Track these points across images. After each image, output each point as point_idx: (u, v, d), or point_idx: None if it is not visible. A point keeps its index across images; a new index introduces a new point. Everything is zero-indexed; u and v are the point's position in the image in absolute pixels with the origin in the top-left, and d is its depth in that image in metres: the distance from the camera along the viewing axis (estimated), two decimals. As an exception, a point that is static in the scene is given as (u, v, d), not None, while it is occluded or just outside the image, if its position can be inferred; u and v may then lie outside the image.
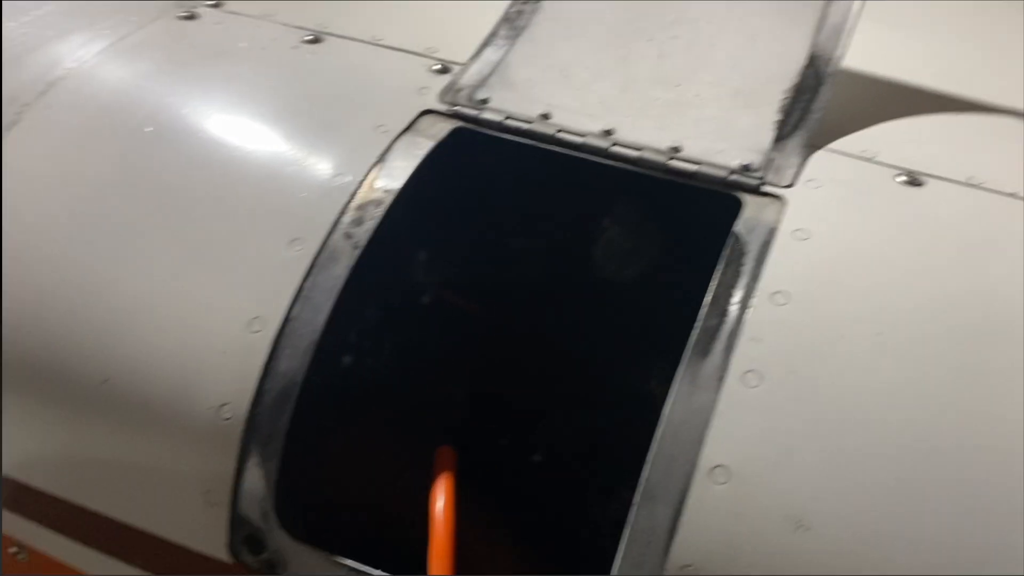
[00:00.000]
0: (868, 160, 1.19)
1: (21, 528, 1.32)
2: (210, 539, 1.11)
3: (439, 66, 1.35)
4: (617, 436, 1.44)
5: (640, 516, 0.95)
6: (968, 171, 1.17)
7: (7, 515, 1.33)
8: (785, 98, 1.25)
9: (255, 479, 1.08)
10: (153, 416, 1.11)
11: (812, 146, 1.20)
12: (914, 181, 1.15)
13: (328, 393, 1.14)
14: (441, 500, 1.12)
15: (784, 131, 1.21)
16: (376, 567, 1.06)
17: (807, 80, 1.27)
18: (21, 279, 1.19)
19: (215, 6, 1.50)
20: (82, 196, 1.22)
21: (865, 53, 1.33)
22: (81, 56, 1.38)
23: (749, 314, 1.00)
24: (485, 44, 1.36)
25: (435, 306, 1.55)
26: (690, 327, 1.31)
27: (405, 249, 1.43)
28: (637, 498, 0.95)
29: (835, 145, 1.22)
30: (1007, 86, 1.38)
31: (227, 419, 1.07)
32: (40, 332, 1.16)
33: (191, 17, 1.47)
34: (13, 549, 1.35)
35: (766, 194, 1.13)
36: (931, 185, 1.15)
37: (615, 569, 0.95)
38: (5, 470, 1.27)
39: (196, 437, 1.09)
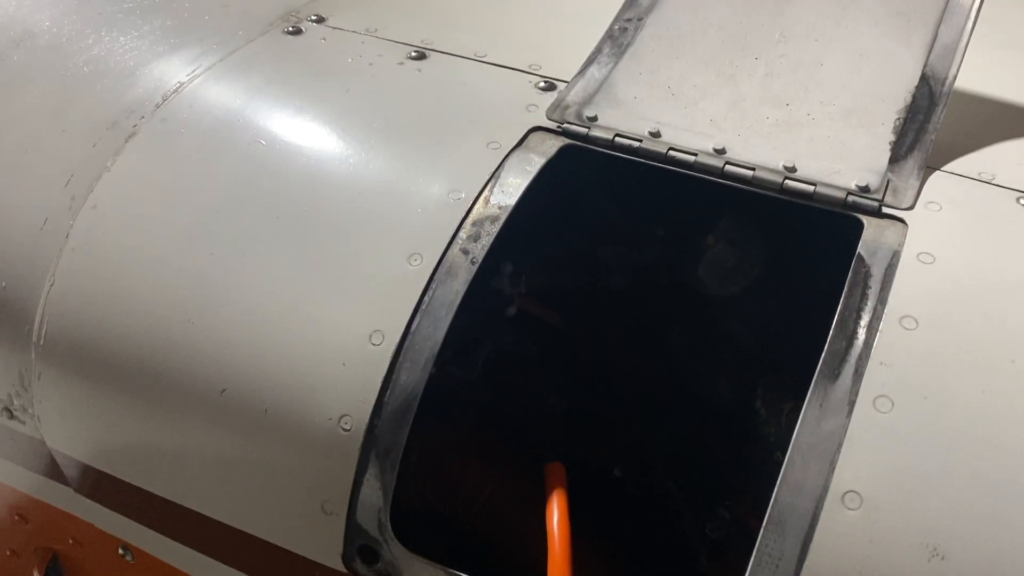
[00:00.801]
0: (987, 183, 1.18)
1: (129, 529, 1.35)
2: (324, 548, 1.13)
3: (544, 83, 1.36)
4: (718, 455, 1.44)
5: (767, 540, 0.94)
6: (1091, 195, 1.15)
7: (115, 516, 1.36)
8: (898, 118, 1.24)
9: (372, 490, 1.09)
10: (272, 426, 1.13)
11: (928, 167, 1.19)
12: (1036, 205, 1.14)
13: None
14: (556, 516, 1.12)
15: (899, 152, 1.20)
16: None
17: (920, 100, 1.26)
18: (141, 289, 1.22)
19: (318, 22, 1.53)
20: (200, 208, 1.25)
21: (972, 72, 1.32)
22: (193, 70, 1.41)
23: (878, 338, 0.99)
24: (590, 61, 1.37)
25: (521, 318, 1.56)
26: (797, 347, 1.31)
27: (490, 260, 1.44)
28: (765, 522, 0.95)
29: (950, 167, 1.21)
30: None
31: (347, 430, 1.09)
32: (159, 341, 1.19)
33: (296, 32, 1.50)
34: (120, 550, 1.39)
35: (887, 216, 1.12)
36: (1054, 209, 1.13)
37: (742, 591, 0.94)
38: (117, 472, 1.30)
39: (315, 447, 1.11)
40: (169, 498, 1.25)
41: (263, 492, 1.17)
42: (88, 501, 1.37)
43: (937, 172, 1.20)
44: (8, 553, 1.56)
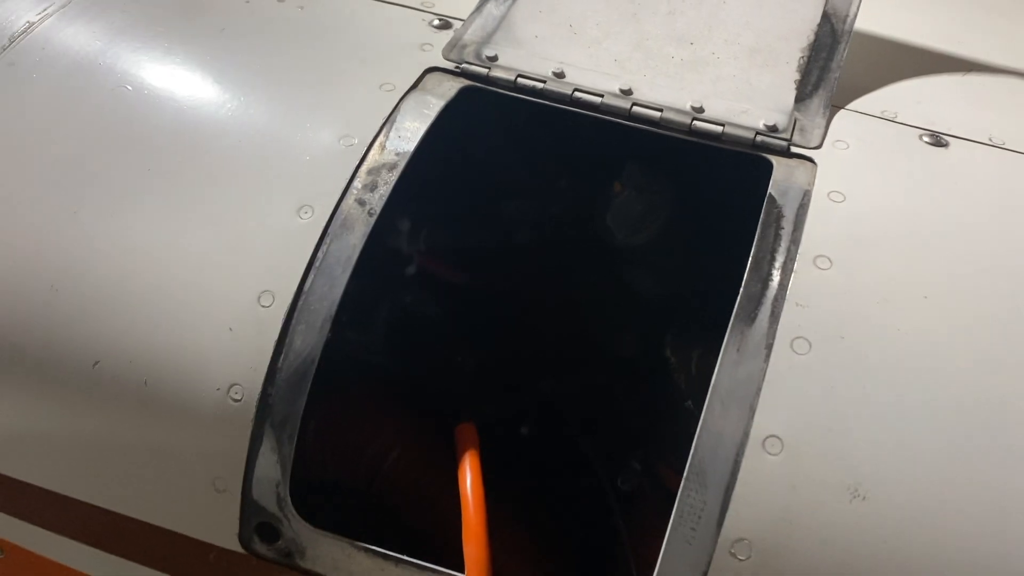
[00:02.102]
0: (890, 120, 1.17)
1: (-3, 523, 1.23)
2: (219, 528, 1.04)
3: (438, 21, 1.28)
4: (627, 407, 1.41)
5: (689, 489, 0.91)
6: (987, 131, 1.16)
7: (-21, 509, 1.23)
8: (802, 56, 1.22)
9: (269, 464, 1.01)
10: (153, 399, 1.03)
11: (833, 106, 1.18)
12: (938, 142, 1.13)
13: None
14: (469, 479, 1.06)
15: (805, 90, 1.18)
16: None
17: (823, 38, 1.24)
18: (-6, 253, 1.09)
19: (187, -44, 1.39)
20: (59, 161, 1.12)
21: (869, 12, 1.31)
22: (44, 9, 1.26)
23: (793, 279, 0.97)
24: (486, -2, 1.29)
25: (421, 277, 1.48)
26: (704, 293, 1.28)
27: (387, 216, 1.36)
28: (685, 474, 0.91)
29: (854, 105, 1.20)
30: (1010, 47, 1.37)
31: (237, 400, 1.00)
32: (18, 311, 1.07)
33: (162, -33, 1.36)
34: (-12, 545, 1.26)
35: (795, 155, 1.10)
36: (956, 145, 1.13)
37: (664, 544, 0.91)
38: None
39: (202, 421, 1.01)
40: (41, 486, 1.13)
41: (147, 472, 1.06)
42: (-55, 495, 1.23)
43: (842, 111, 1.18)
44: None
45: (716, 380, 0.93)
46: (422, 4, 1.31)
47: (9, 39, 1.22)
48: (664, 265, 1.37)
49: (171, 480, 1.05)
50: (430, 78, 1.19)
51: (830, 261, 0.98)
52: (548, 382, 1.47)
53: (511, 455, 1.40)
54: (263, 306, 1.01)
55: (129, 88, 1.17)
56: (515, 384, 1.47)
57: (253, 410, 1.00)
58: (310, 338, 1.00)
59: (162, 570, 1.14)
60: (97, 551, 1.16)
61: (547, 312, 1.48)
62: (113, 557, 1.15)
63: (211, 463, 1.02)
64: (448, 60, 1.21)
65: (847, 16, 1.25)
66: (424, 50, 1.22)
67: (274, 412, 1.00)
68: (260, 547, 1.04)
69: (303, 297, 1.01)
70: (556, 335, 1.47)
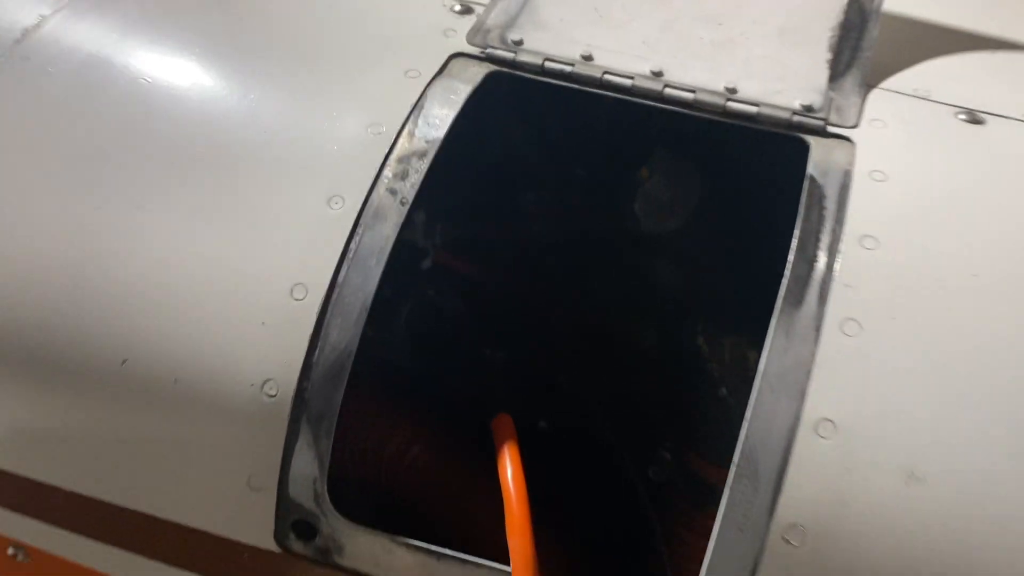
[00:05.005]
0: (924, 99, 1.15)
1: (20, 526, 1.20)
2: (254, 527, 1.02)
3: (460, 6, 1.25)
4: (655, 396, 1.39)
5: (740, 477, 0.89)
6: (1022, 108, 1.14)
7: (2, 513, 1.20)
8: (833, 36, 1.20)
9: (306, 460, 0.99)
10: (184, 398, 1.00)
11: (866, 85, 1.16)
12: (974, 119, 1.12)
13: None
14: (510, 471, 1.04)
15: (838, 70, 1.16)
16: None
17: (852, 17, 1.22)
18: (14, 251, 1.06)
19: (199, -55, 1.36)
20: (80, 157, 1.09)
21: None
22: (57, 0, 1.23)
23: (839, 260, 0.95)
24: (508, -17, 1.27)
25: (438, 272, 1.46)
26: (733, 279, 1.26)
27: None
28: (735, 462, 0.90)
29: (887, 84, 1.18)
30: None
31: (272, 396, 0.98)
32: (43, 310, 1.04)
33: (175, -44, 1.33)
34: (11, 550, 1.23)
35: (833, 135, 1.08)
36: (992, 123, 1.11)
37: (715, 533, 0.89)
38: (2, 464, 1.14)
39: (236, 418, 0.99)
40: (67, 488, 1.11)
41: (178, 472, 1.04)
42: (-33, 499, 1.20)
43: (875, 90, 1.16)
44: None
45: (765, 366, 0.91)
46: (441, -11, 1.29)
47: (22, 32, 1.19)
48: (692, 252, 1.35)
49: (204, 480, 1.03)
50: (455, 64, 1.17)
51: (876, 241, 0.96)
52: (571, 375, 1.45)
53: (535, 451, 1.38)
54: (296, 299, 0.99)
55: (147, 81, 1.14)
56: (537, 378, 1.45)
57: (289, 406, 0.97)
58: (346, 331, 0.98)
59: (194, 572, 1.11)
60: (126, 553, 1.13)
61: (570, 306, 1.46)
62: (142, 559, 1.13)
63: (246, 461, 1.00)
64: (473, 45, 1.19)
65: (874, -6, 1.23)
66: (448, 36, 1.20)
67: (310, 407, 0.98)
68: (296, 545, 1.01)
69: (337, 290, 0.99)
70: (579, 328, 1.45)
